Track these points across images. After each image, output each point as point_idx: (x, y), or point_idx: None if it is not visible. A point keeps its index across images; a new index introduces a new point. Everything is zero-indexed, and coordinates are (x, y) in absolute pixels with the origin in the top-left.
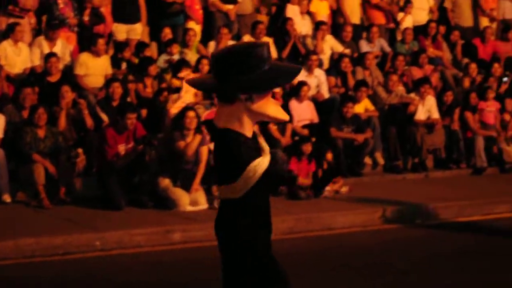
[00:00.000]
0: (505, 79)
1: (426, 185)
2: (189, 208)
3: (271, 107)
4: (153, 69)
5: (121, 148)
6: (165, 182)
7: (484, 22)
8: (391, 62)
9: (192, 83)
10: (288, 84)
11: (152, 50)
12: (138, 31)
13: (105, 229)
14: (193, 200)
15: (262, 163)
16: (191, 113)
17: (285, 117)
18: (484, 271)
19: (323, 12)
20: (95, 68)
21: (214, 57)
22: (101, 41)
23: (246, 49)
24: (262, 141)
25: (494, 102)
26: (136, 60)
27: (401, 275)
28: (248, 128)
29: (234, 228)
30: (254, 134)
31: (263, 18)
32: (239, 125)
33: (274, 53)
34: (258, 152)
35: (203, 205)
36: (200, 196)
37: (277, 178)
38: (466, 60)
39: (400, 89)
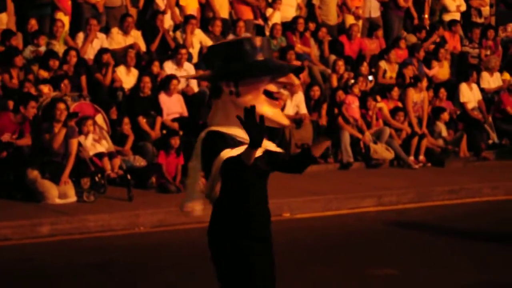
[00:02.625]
0: (370, 77)
1: (294, 179)
2: (58, 200)
3: (262, 105)
4: (18, 60)
5: None
6: (33, 174)
7: (350, 19)
8: None
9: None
10: (280, 81)
11: (18, 40)
12: (3, 20)
13: None
14: (62, 193)
15: (224, 155)
16: (61, 105)
17: (283, 120)
18: (348, 263)
19: (192, 6)
20: None
21: (208, 48)
22: None
23: (236, 40)
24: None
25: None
26: (1, 49)
27: None
28: (239, 127)
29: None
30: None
31: (132, 11)
32: (225, 123)
33: (142, 46)
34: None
35: (72, 198)
36: (69, 189)
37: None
38: (333, 57)
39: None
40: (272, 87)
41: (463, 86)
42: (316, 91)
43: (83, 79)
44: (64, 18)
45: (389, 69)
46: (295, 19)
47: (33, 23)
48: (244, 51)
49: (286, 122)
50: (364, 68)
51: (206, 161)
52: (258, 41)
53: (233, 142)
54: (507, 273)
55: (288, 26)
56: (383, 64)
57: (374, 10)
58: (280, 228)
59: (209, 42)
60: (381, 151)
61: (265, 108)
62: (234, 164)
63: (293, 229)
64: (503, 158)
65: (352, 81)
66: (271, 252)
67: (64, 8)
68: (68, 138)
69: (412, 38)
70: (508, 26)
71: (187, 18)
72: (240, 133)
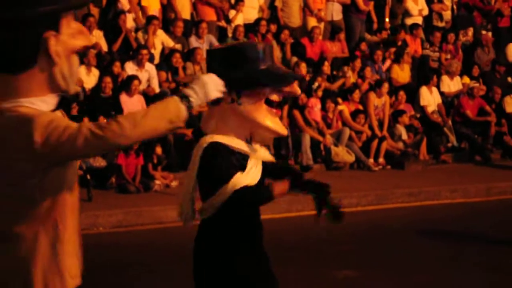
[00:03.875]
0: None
1: None
2: None
3: (264, 115)
4: None
5: None
6: None
7: (312, 22)
8: None
9: (184, 81)
10: (283, 90)
11: None
12: None
13: None
14: None
15: (237, 182)
16: None
17: (282, 130)
18: (308, 265)
19: (154, 7)
20: None
21: (208, 52)
22: None
23: (239, 45)
24: (254, 153)
25: (319, 101)
26: None
27: None
28: (236, 136)
29: (213, 250)
30: (247, 144)
31: (94, 10)
32: (226, 132)
33: (104, 47)
34: (240, 167)
35: None
36: None
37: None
38: (295, 59)
39: None
40: (274, 97)
41: (423, 90)
42: None
43: None
44: None
45: (352, 76)
46: (257, 21)
47: None
48: (246, 57)
49: (285, 132)
50: (326, 67)
51: (208, 178)
52: (261, 47)
53: (237, 157)
54: (465, 274)
55: (251, 28)
56: (348, 70)
57: (336, 13)
58: None
59: (171, 43)
60: (342, 153)
61: (267, 120)
62: (255, 195)
63: None
64: (461, 162)
65: (317, 84)
66: (267, 265)
67: None
68: None
69: (375, 40)
70: (468, 31)
71: (149, 18)
72: (241, 144)
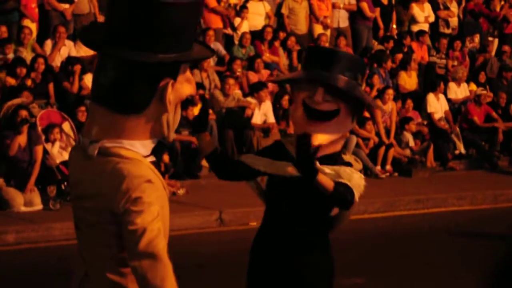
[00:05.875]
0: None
1: None
2: (23, 208)
3: (295, 121)
4: None
5: None
6: None
7: (318, 29)
8: (228, 66)
9: (269, 81)
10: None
11: None
12: None
13: None
14: (27, 201)
15: (243, 157)
16: (23, 112)
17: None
18: None
19: None
20: None
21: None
22: None
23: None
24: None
25: None
26: None
27: (233, 275)
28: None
29: None
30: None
31: (101, 18)
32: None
33: None
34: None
35: (38, 205)
36: (35, 197)
37: None
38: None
39: (237, 92)
40: (317, 97)
41: (430, 97)
42: (286, 101)
43: (51, 86)
44: (31, 25)
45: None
46: (264, 28)
47: (3, 30)
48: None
49: (316, 143)
50: None
51: None
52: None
53: (278, 151)
54: (472, 282)
55: (257, 35)
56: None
57: (343, 20)
58: (247, 236)
59: None
60: (350, 161)
61: (296, 125)
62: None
63: None
64: (469, 169)
65: None
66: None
67: (31, 15)
68: (33, 145)
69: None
70: (475, 37)
71: None
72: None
